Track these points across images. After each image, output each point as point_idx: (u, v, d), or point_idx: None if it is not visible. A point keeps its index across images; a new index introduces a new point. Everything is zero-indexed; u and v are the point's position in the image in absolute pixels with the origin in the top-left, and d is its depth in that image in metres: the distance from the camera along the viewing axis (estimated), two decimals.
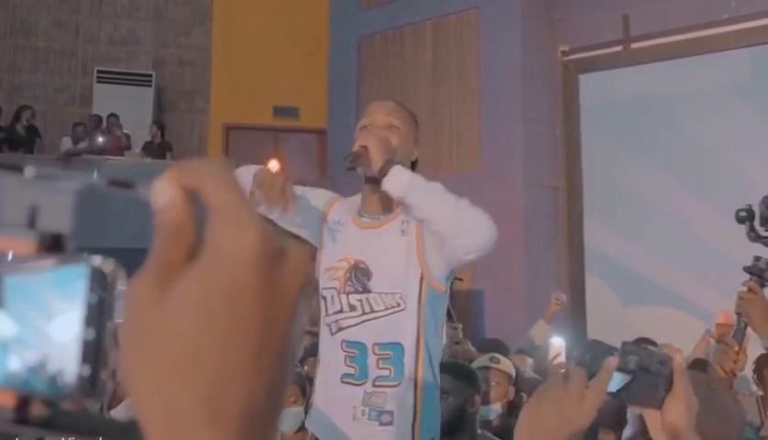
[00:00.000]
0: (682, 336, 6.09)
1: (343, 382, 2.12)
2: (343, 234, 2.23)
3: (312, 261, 2.25)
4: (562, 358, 4.36)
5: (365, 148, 2.06)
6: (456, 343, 4.33)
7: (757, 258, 2.51)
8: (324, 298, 2.20)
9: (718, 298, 6.36)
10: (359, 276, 2.16)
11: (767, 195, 2.55)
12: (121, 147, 9.82)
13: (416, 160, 2.26)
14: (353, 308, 2.14)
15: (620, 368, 1.11)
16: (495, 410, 3.48)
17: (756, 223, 2.54)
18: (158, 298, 0.39)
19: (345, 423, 2.11)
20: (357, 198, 2.31)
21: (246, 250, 0.38)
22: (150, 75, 10.54)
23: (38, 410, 0.40)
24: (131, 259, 0.44)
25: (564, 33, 8.29)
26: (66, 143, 9.77)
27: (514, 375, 3.71)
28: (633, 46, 7.90)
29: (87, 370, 0.39)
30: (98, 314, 0.40)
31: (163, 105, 10.73)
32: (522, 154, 7.85)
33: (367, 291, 2.14)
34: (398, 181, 2.02)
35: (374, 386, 2.10)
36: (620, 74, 7.96)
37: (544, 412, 1.08)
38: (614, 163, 7.91)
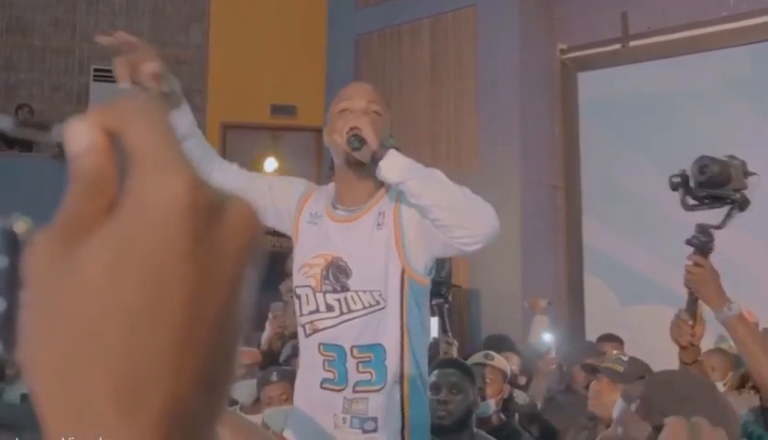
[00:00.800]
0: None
1: (323, 388, 1.99)
2: (319, 228, 2.09)
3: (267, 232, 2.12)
4: (552, 354, 4.37)
5: (357, 129, 1.92)
6: None
7: (699, 230, 2.38)
8: (299, 297, 2.07)
9: None
10: (337, 274, 2.02)
11: (700, 156, 2.38)
12: None
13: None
14: (330, 308, 2.00)
15: None
16: (490, 407, 3.46)
17: (692, 186, 2.37)
18: (64, 260, 0.32)
19: (326, 431, 1.97)
20: (330, 188, 2.17)
21: (171, 202, 0.32)
22: None
23: None
24: None
25: (562, 31, 8.25)
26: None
27: (509, 372, 3.69)
28: (632, 44, 7.86)
29: None
30: (9, 282, 0.34)
31: None
32: (520, 152, 7.82)
33: (345, 289, 1.99)
34: (395, 165, 1.88)
35: (354, 392, 1.96)
36: (619, 72, 7.93)
37: None
38: (613, 161, 7.88)
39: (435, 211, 1.88)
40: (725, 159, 2.32)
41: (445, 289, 4.74)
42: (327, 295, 2.01)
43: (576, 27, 8.15)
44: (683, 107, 7.53)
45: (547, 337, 4.41)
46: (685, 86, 7.53)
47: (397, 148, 1.97)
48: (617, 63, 7.94)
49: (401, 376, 1.97)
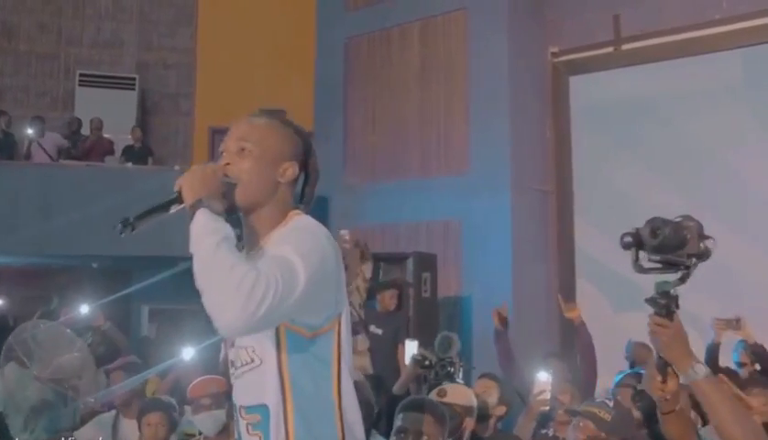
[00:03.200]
0: None
1: None
2: None
3: None
4: (547, 395, 3.95)
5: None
6: None
7: (659, 291, 2.15)
8: None
9: (709, 302, 6.26)
10: None
11: (652, 218, 2.07)
12: (104, 151, 9.67)
13: (304, 178, 1.91)
14: (233, 363, 1.84)
15: None
16: None
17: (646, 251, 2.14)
18: None
19: None
20: None
21: None
22: (134, 78, 10.39)
23: None
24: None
25: (554, 34, 8.19)
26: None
27: (474, 405, 3.41)
28: (624, 47, 7.82)
29: None
30: None
31: (147, 109, 10.59)
32: (511, 157, 7.75)
33: (233, 344, 1.82)
34: (191, 234, 1.65)
35: None
36: (611, 75, 7.87)
37: None
38: (605, 165, 7.82)
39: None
40: (679, 220, 2.11)
41: (454, 369, 4.44)
42: (230, 350, 1.85)
43: (567, 29, 8.09)
44: (675, 110, 7.48)
45: (543, 376, 4.01)
46: (678, 89, 7.49)
47: (306, 182, 1.88)
48: (609, 66, 7.89)
49: (287, 438, 1.75)
